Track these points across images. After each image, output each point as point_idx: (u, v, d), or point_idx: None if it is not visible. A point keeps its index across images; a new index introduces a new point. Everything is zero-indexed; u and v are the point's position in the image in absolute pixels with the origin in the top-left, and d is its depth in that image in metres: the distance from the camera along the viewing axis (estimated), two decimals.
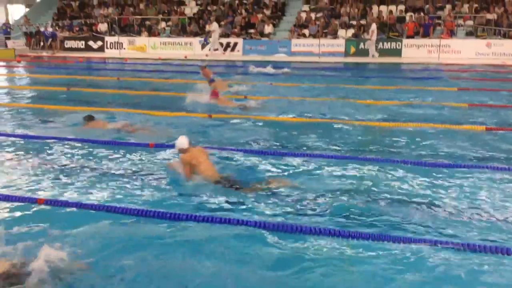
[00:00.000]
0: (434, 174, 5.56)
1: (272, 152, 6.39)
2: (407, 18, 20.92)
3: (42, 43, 24.07)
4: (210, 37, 21.17)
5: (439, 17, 21.25)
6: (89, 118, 7.72)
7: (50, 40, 23.42)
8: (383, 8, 22.36)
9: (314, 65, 18.15)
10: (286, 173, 5.66)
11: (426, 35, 20.16)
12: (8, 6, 29.92)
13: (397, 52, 19.86)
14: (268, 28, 22.49)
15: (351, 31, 21.36)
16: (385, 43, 20.11)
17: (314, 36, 21.34)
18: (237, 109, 9.40)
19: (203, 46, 21.82)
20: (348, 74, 15.89)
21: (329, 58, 19.77)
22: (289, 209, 4.59)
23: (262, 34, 22.27)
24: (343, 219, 4.41)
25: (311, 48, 20.68)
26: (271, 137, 7.37)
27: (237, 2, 24.79)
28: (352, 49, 20.30)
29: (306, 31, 21.81)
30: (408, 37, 20.23)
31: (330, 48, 20.51)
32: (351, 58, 19.80)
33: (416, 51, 19.75)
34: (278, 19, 23.67)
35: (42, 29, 24.00)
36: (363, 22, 21.64)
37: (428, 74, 15.46)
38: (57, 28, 24.86)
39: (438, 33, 20.32)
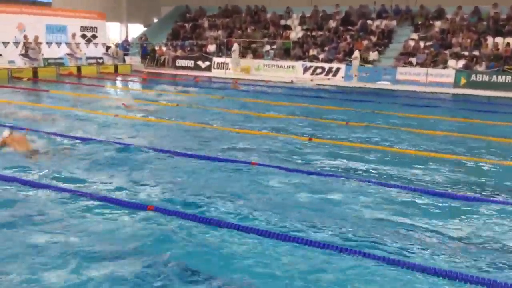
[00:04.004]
0: None
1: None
2: None
3: (156, 61, 25.85)
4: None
5: None
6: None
7: (163, 58, 25.27)
8: (499, 39, 21.06)
9: (420, 94, 17.58)
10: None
11: None
12: (129, 25, 32.54)
13: None
14: (373, 55, 22.17)
15: (462, 62, 20.36)
16: (499, 76, 18.88)
17: (421, 65, 20.65)
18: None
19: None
20: (451, 106, 15.13)
21: (437, 88, 18.98)
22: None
23: (366, 61, 21.99)
24: None
25: (418, 77, 19.99)
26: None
27: (342, 28, 24.78)
28: (463, 80, 19.31)
29: (413, 60, 21.18)
30: None
31: (439, 78, 19.69)
32: (461, 89, 18.84)
33: None
34: (384, 46, 23.24)
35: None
36: (476, 53, 20.56)
37: None
38: (170, 48, 26.56)
39: None
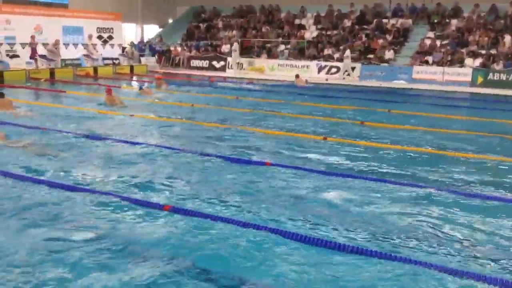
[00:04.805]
0: None
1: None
2: None
3: (171, 61, 26.01)
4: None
5: None
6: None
7: (178, 58, 25.48)
8: None
9: (437, 93, 17.43)
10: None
11: None
12: (145, 26, 32.76)
13: None
14: (388, 54, 22.02)
15: (478, 61, 20.11)
16: None
17: (438, 64, 20.45)
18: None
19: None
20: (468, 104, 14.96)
21: (453, 87, 18.78)
22: None
23: (381, 60, 21.84)
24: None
25: (434, 76, 19.81)
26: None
27: (357, 27, 24.65)
28: (480, 79, 19.08)
29: (429, 58, 20.98)
30: None
31: (455, 77, 19.50)
32: (478, 88, 18.62)
33: None
34: (400, 45, 23.06)
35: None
36: (493, 51, 20.29)
37: None
38: (185, 48, 26.68)
39: None
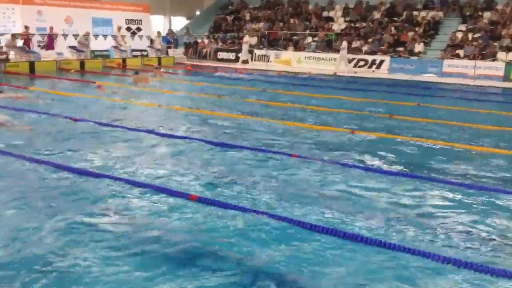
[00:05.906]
0: None
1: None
2: None
3: (198, 53, 26.12)
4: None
5: None
6: None
7: (205, 50, 25.56)
8: None
9: (468, 87, 17.02)
10: None
11: None
12: (172, 17, 32.99)
13: None
14: (418, 47, 21.60)
15: None
16: None
17: (469, 57, 19.96)
18: None
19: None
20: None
21: (485, 81, 18.31)
22: None
23: (411, 53, 21.44)
24: None
25: (465, 70, 19.36)
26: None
27: (387, 19, 24.23)
28: None
29: (460, 52, 20.49)
30: None
31: (488, 71, 19.01)
32: (511, 83, 18.10)
33: None
34: (431, 38, 22.59)
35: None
36: None
37: None
38: (212, 40, 26.75)
39: None
